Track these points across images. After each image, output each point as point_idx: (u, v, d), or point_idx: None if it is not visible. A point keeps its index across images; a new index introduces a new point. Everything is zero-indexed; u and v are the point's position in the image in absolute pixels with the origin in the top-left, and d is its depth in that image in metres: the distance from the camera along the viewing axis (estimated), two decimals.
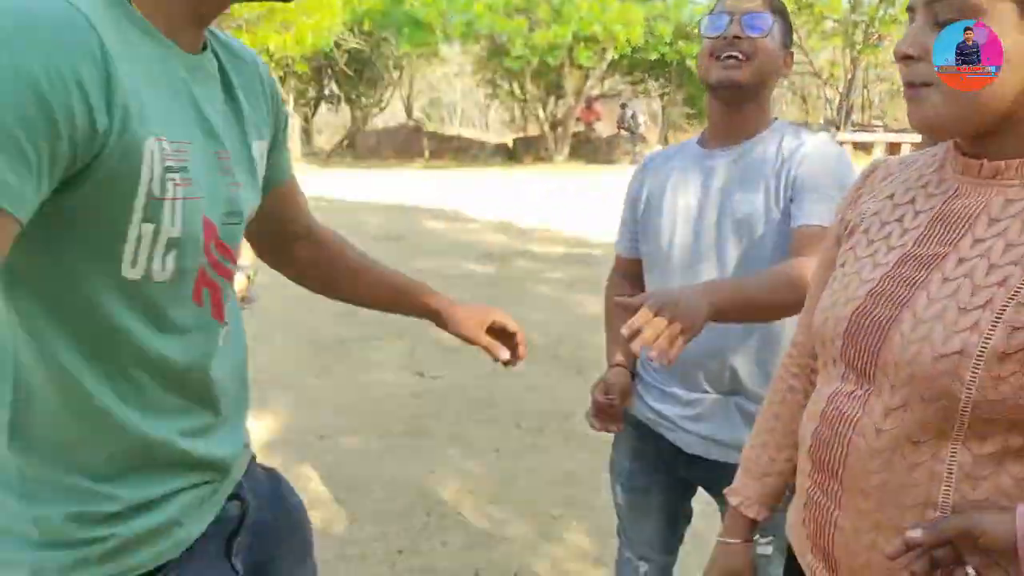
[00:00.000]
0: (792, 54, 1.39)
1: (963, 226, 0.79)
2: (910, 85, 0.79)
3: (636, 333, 0.97)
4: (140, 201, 0.70)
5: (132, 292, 0.74)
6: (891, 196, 0.90)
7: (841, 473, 0.83)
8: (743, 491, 1.05)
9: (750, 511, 1.04)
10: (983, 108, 0.76)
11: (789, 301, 1.14)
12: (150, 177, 0.70)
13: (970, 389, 0.73)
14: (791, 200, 1.28)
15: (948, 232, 0.80)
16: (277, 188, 1.04)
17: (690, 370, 1.38)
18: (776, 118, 1.39)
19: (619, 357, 1.49)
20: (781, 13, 1.34)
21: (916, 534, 0.73)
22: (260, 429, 3.20)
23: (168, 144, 0.72)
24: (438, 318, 1.25)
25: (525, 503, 2.66)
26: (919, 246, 0.82)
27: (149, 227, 0.72)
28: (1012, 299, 0.72)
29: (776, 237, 1.29)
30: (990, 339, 0.72)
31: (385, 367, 3.99)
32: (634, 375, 1.49)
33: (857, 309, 0.83)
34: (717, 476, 1.40)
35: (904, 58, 0.77)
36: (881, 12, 16.11)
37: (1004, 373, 0.71)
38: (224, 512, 0.91)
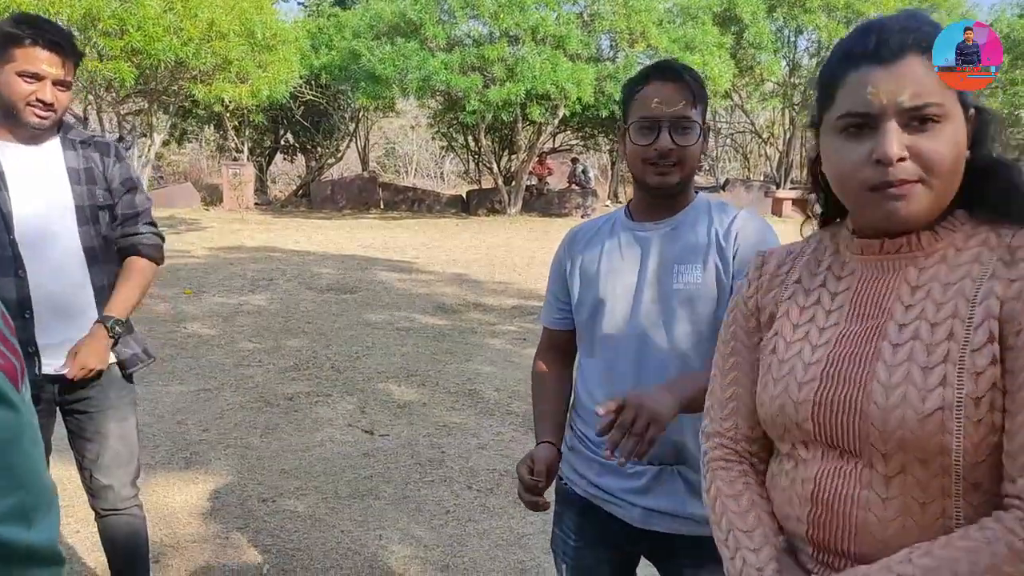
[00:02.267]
0: (708, 130, 1.45)
1: (888, 298, 0.87)
2: (901, 183, 0.82)
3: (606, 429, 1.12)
4: None
5: None
6: (799, 282, 0.97)
7: (853, 550, 0.85)
8: None
9: None
10: (946, 200, 0.84)
11: None
12: None
13: (959, 439, 0.79)
14: (736, 272, 1.34)
15: (874, 306, 0.87)
16: None
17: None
18: (697, 191, 1.45)
19: (545, 434, 1.47)
20: (701, 98, 1.37)
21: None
22: (201, 493, 3.09)
23: None
24: None
25: (475, 569, 2.61)
26: (851, 323, 0.88)
27: None
28: (964, 348, 0.80)
29: (719, 309, 1.34)
30: (962, 388, 0.79)
31: (334, 424, 3.92)
32: (560, 451, 1.47)
33: (817, 390, 0.87)
34: (663, 547, 1.42)
35: (898, 160, 0.81)
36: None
37: (981, 416, 0.78)
38: None
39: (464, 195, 17.71)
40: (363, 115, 18.62)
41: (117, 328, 1.91)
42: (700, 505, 1.36)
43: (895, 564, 0.79)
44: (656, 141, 1.32)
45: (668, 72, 1.35)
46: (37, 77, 1.77)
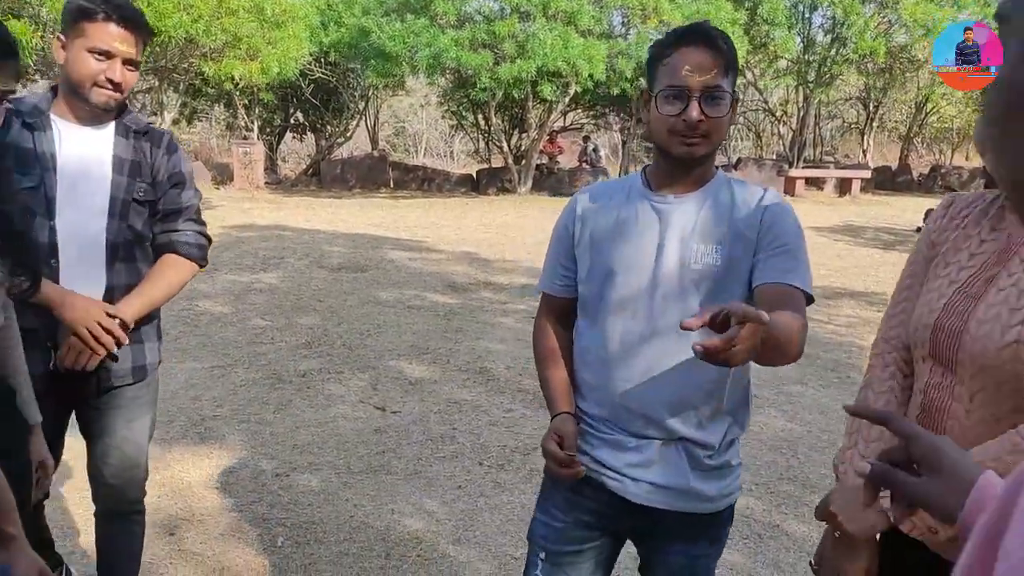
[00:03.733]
0: (738, 100, 1.37)
1: (1012, 252, 1.07)
2: None
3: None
4: None
5: None
6: (966, 227, 1.14)
7: None
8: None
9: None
10: None
11: (794, 353, 1.18)
12: None
13: None
14: (763, 256, 1.29)
15: (1004, 259, 1.07)
16: None
17: (638, 417, 1.34)
18: (718, 168, 1.41)
19: (562, 404, 1.42)
20: (732, 67, 1.30)
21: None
22: (215, 467, 3.13)
23: None
24: None
25: (486, 543, 2.64)
26: (984, 270, 1.08)
27: None
28: None
29: (741, 288, 1.31)
30: None
31: (346, 401, 3.95)
32: (577, 418, 1.42)
33: (937, 318, 1.09)
34: (654, 525, 1.39)
35: None
36: (833, 52, 16.71)
37: None
38: None
39: (474, 174, 17.63)
40: (373, 93, 18.50)
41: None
42: (703, 480, 1.36)
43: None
44: (685, 111, 1.26)
45: (701, 37, 1.26)
46: (108, 55, 1.68)
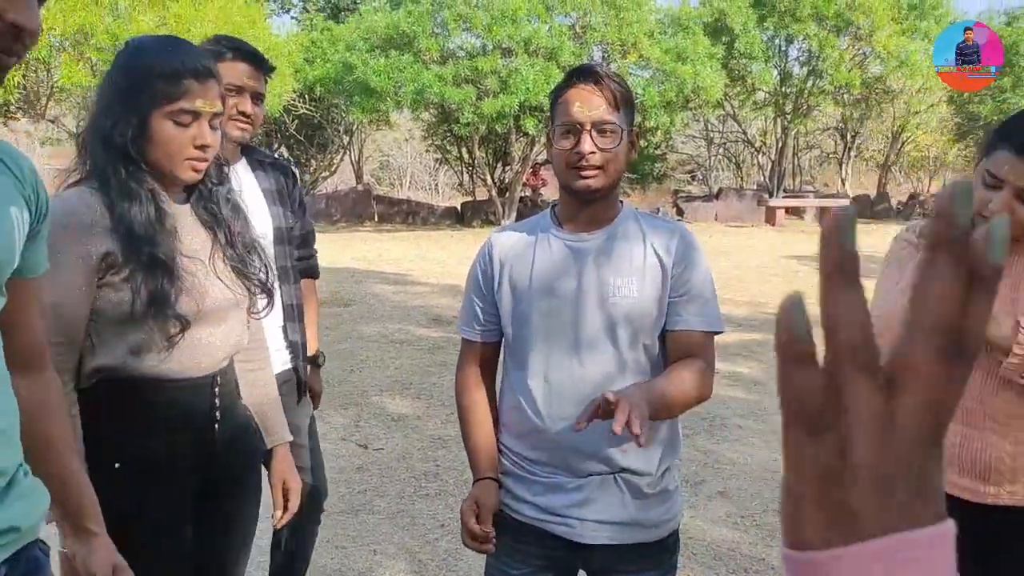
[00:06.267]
0: (636, 133, 1.42)
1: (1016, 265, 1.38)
2: None
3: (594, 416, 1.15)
4: None
5: None
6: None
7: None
8: None
9: None
10: None
11: (691, 404, 1.34)
12: None
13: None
14: (675, 299, 1.36)
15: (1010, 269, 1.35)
16: (20, 280, 1.02)
17: (575, 453, 1.36)
18: (622, 201, 1.45)
19: (484, 468, 1.42)
20: (625, 102, 1.35)
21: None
22: None
23: None
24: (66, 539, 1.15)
25: None
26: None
27: None
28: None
29: (658, 324, 1.37)
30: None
31: (328, 439, 3.89)
32: (500, 485, 1.42)
33: None
34: (605, 560, 1.40)
35: None
36: (809, 84, 17.08)
37: None
38: None
39: (459, 207, 17.73)
40: (357, 128, 18.64)
41: (320, 359, 2.18)
42: (645, 509, 1.38)
43: None
44: (578, 144, 1.31)
45: (588, 75, 1.34)
46: (238, 90, 1.80)
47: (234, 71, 1.80)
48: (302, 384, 2.04)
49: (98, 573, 1.12)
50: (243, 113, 1.81)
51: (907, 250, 1.26)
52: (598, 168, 1.33)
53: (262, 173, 1.96)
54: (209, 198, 1.43)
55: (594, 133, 1.31)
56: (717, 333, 1.39)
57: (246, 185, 1.90)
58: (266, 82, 1.91)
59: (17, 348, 1.05)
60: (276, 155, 2.07)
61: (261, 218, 1.90)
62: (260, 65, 1.86)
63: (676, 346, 1.36)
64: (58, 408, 1.14)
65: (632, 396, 1.16)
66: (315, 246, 2.17)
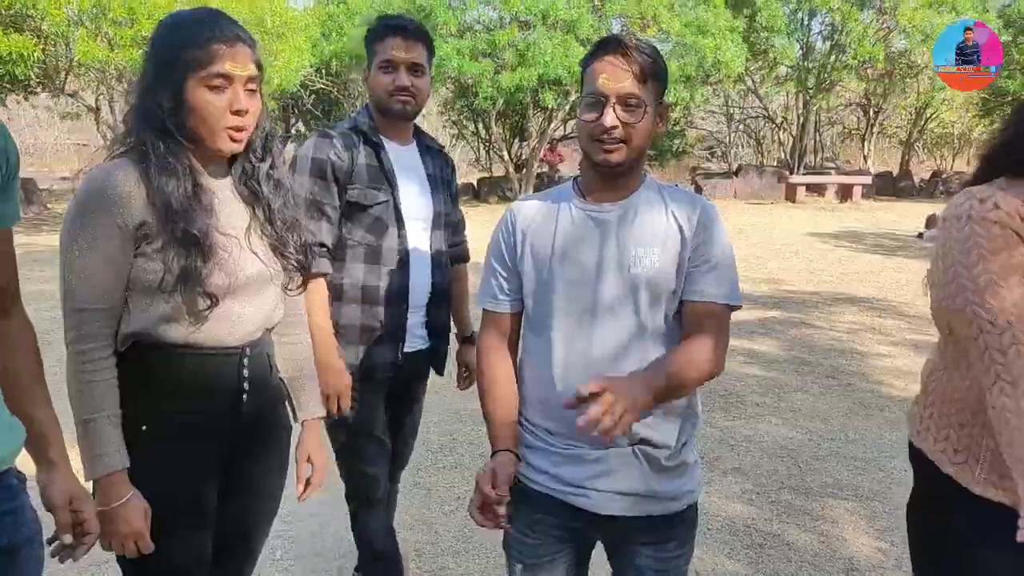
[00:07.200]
0: (667, 107, 1.41)
1: None
2: None
3: (575, 404, 1.16)
4: None
5: None
6: None
7: None
8: None
9: None
10: None
11: (704, 379, 1.34)
12: None
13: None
14: (694, 270, 1.35)
15: None
16: None
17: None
18: (646, 173, 1.43)
19: (504, 440, 1.41)
20: (653, 75, 1.33)
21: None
22: None
23: None
24: (40, 475, 1.20)
25: (486, 554, 2.63)
26: None
27: None
28: None
29: (676, 293, 1.37)
30: None
31: None
32: (519, 457, 1.42)
33: None
34: (623, 533, 1.41)
35: None
36: (832, 58, 16.74)
37: None
38: None
39: (475, 183, 17.67)
40: None
41: (474, 336, 2.18)
42: (664, 481, 1.38)
43: None
44: (601, 117, 1.31)
45: (617, 47, 1.31)
46: (392, 64, 1.85)
47: (386, 47, 1.85)
48: (441, 361, 2.15)
49: (55, 502, 1.17)
50: (399, 87, 1.85)
51: (1002, 236, 1.17)
52: (621, 142, 1.32)
53: (429, 159, 2.03)
54: (251, 175, 1.43)
55: (618, 107, 1.30)
56: (735, 307, 1.38)
57: (415, 168, 1.98)
58: (430, 53, 1.92)
59: None
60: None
61: (424, 202, 1.98)
62: (412, 36, 1.87)
63: (693, 317, 1.36)
64: (24, 345, 1.20)
65: (620, 389, 1.16)
66: (465, 232, 2.26)
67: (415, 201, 1.96)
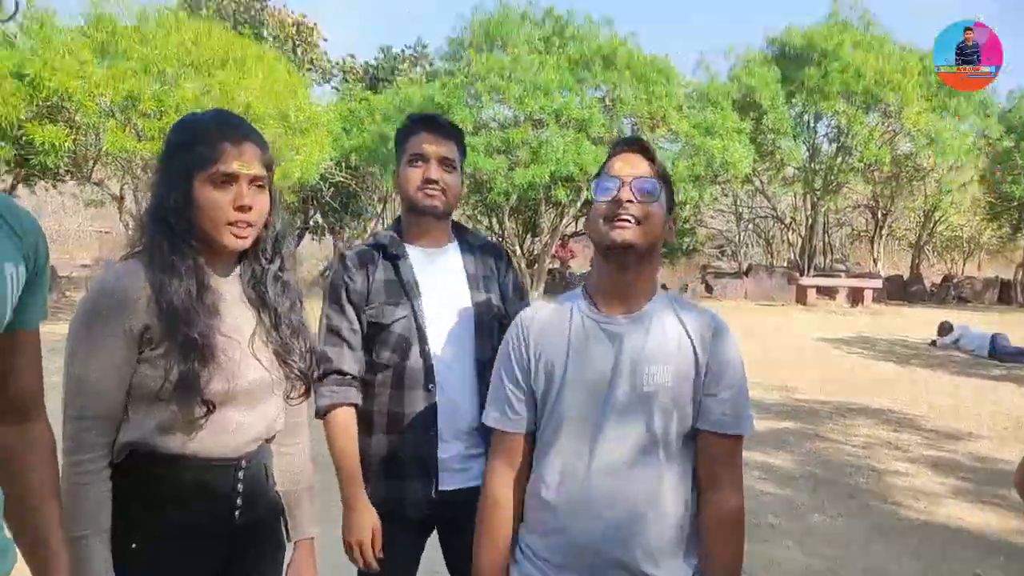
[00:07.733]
0: (674, 221, 1.45)
1: None
2: None
3: None
4: None
5: None
6: None
7: None
8: None
9: None
10: None
11: (742, 523, 1.36)
12: None
13: None
14: (710, 396, 1.34)
15: None
16: (15, 332, 1.04)
17: (601, 558, 1.32)
18: (663, 285, 1.43)
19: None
20: (666, 180, 1.40)
21: None
22: None
23: None
24: None
25: None
26: None
27: None
28: None
29: (691, 407, 1.34)
30: None
31: None
32: None
33: None
34: None
35: None
36: (839, 160, 17.11)
37: None
38: None
39: None
40: (391, 196, 19.05)
41: None
42: None
43: None
44: (617, 194, 1.35)
45: (635, 143, 1.42)
46: (422, 158, 1.75)
47: (415, 141, 1.77)
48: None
49: None
50: (428, 180, 1.74)
51: None
52: (635, 220, 1.32)
53: (471, 257, 1.84)
54: (259, 278, 1.43)
55: (634, 187, 1.33)
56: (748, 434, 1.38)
57: (449, 272, 1.81)
58: (460, 149, 1.83)
59: (10, 396, 1.08)
60: (484, 237, 1.94)
61: (459, 309, 1.77)
62: (442, 131, 1.79)
63: (705, 445, 1.35)
64: (42, 455, 1.14)
65: None
66: None
67: (445, 310, 1.76)
